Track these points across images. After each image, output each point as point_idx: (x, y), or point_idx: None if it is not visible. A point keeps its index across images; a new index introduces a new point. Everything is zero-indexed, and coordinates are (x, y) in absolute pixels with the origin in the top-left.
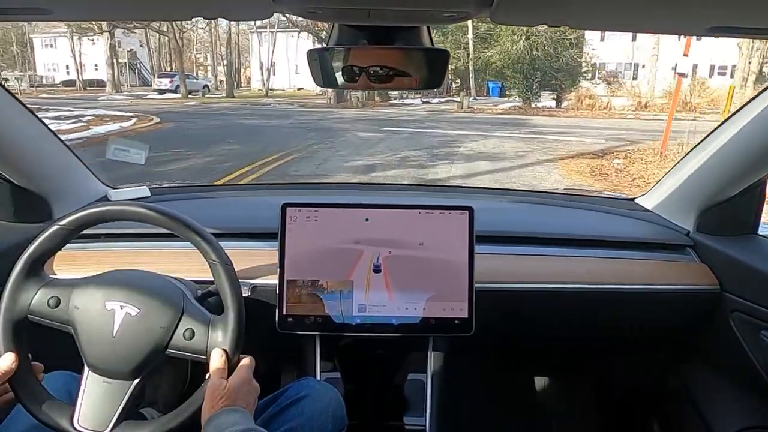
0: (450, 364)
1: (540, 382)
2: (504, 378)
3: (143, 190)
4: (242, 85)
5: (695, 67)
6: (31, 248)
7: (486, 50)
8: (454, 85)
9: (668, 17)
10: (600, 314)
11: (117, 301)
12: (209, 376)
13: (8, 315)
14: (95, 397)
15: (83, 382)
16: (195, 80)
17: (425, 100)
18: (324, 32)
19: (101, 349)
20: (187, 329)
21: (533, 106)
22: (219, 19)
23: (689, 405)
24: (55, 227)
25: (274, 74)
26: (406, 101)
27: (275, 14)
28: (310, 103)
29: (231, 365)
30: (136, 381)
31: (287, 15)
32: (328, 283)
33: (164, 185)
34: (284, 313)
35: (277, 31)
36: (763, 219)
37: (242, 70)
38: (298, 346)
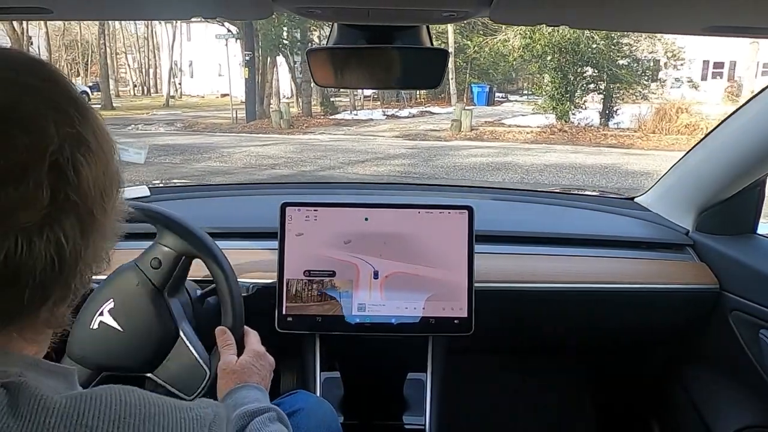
0: (450, 364)
1: (539, 381)
2: (503, 377)
3: (143, 190)
4: (155, 90)
5: (733, 65)
6: None
7: (472, 38)
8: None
9: (667, 17)
10: (599, 313)
11: (107, 312)
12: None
13: None
14: None
15: None
16: None
17: (389, 112)
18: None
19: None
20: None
21: (576, 123)
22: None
23: (688, 404)
24: None
25: (191, 76)
26: (361, 115)
27: None
28: (204, 122)
29: (237, 340)
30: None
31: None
32: (327, 282)
33: (163, 185)
34: (284, 312)
35: (192, 22)
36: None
37: (158, 72)
38: (298, 345)
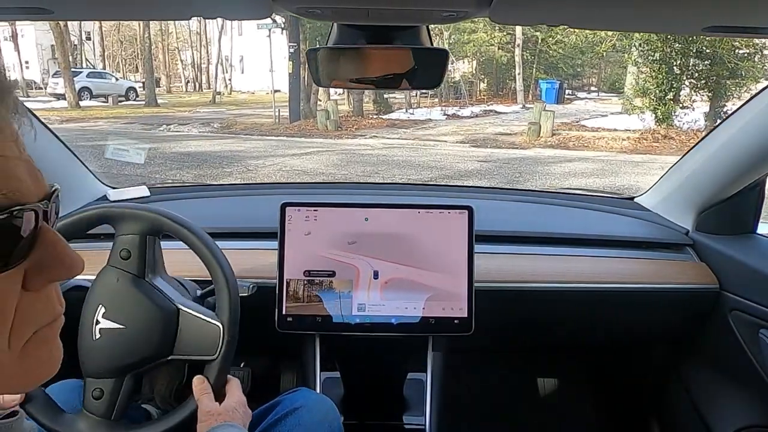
0: (450, 364)
1: (539, 381)
2: (503, 377)
3: (142, 190)
4: (207, 86)
5: None
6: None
7: (547, 29)
8: (482, 85)
9: (665, 17)
10: (599, 313)
11: (102, 317)
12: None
13: None
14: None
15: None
16: (110, 81)
17: (449, 111)
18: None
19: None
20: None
21: (686, 128)
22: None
23: (688, 404)
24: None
25: (242, 72)
26: (417, 114)
27: None
28: (245, 122)
29: (217, 387)
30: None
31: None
32: (327, 282)
33: (164, 185)
34: (284, 312)
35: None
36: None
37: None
38: (298, 345)
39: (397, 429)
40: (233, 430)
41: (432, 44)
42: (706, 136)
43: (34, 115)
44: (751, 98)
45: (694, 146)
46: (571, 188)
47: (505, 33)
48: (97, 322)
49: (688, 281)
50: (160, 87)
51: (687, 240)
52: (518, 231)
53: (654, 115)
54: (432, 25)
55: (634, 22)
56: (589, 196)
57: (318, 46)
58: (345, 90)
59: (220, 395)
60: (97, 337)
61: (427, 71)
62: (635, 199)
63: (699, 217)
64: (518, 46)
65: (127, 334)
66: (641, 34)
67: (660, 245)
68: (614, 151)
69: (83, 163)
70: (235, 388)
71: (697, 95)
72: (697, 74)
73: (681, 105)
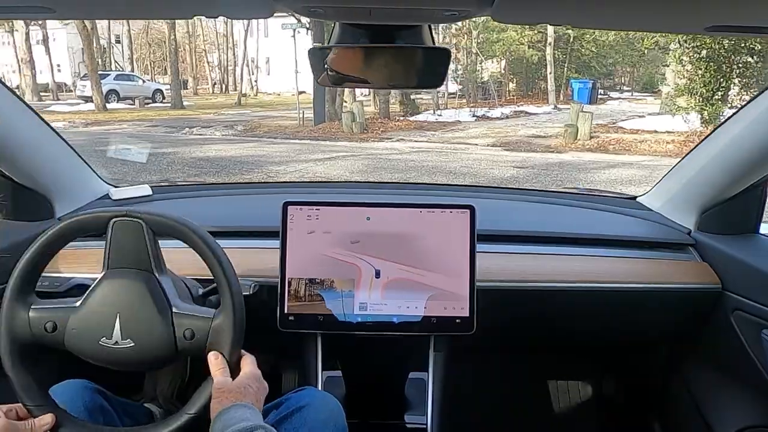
0: (451, 363)
1: (541, 380)
2: (505, 376)
3: (144, 189)
4: (233, 88)
5: None
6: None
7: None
8: (511, 85)
9: (667, 17)
10: (601, 313)
11: (109, 339)
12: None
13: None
14: None
15: None
16: (136, 83)
17: (479, 112)
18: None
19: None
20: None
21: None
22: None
23: (690, 404)
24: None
25: (268, 73)
26: (445, 115)
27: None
28: (269, 125)
29: (231, 363)
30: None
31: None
32: (329, 281)
33: (166, 184)
34: (285, 311)
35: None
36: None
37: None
38: (300, 344)
39: (399, 428)
40: (242, 410)
41: (434, 43)
42: (708, 135)
43: (38, 115)
44: (754, 98)
45: (696, 146)
46: (573, 188)
47: (536, 32)
48: (116, 344)
49: (690, 281)
50: (187, 89)
51: (689, 240)
52: (520, 230)
53: (700, 116)
54: (459, 23)
55: (636, 22)
56: (591, 195)
57: (319, 45)
58: (371, 90)
59: (235, 370)
60: (131, 345)
61: (429, 70)
62: (638, 199)
63: (701, 217)
64: (550, 44)
65: (126, 312)
66: None
67: (662, 245)
68: (658, 155)
69: (86, 162)
70: (248, 363)
71: (748, 94)
72: (748, 72)
73: (729, 105)
